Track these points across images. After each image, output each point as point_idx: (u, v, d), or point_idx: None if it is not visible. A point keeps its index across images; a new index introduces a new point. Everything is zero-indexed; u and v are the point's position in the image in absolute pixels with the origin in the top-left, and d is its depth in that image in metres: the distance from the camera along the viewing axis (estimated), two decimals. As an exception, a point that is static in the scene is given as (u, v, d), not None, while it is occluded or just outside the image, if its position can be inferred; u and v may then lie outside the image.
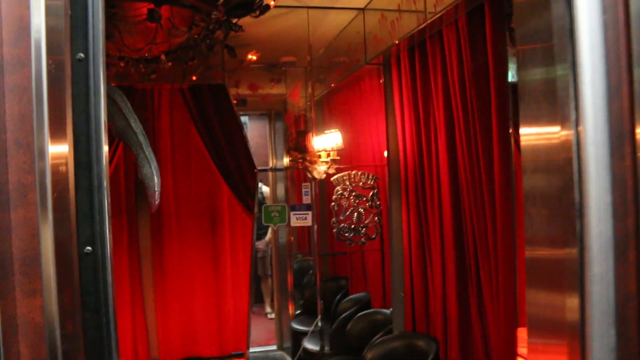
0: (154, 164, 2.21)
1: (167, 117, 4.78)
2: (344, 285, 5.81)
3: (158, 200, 2.22)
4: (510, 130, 2.82)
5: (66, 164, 1.00)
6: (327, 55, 5.10)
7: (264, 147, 6.94)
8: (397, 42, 3.84)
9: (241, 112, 7.12)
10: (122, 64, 2.67)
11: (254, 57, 4.98)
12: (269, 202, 6.39)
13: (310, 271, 6.51)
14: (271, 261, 7.10)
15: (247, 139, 4.44)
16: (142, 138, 2.17)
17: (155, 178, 2.19)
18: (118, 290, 5.09)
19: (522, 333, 2.95)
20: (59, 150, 1.00)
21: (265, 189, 6.51)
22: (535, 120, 1.33)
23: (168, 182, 5.02)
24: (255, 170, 4.41)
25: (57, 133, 0.97)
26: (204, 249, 5.38)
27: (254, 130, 7.93)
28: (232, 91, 5.50)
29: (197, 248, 5.36)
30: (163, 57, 2.64)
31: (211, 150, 4.45)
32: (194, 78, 4.41)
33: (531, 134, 1.36)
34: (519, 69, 1.40)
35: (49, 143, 0.95)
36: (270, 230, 6.74)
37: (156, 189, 2.17)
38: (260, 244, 6.80)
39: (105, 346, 1.02)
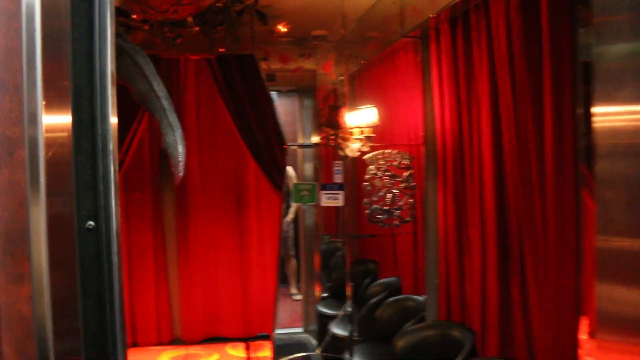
0: (178, 132, 2.02)
1: (193, 88, 4.62)
2: (372, 269, 5.62)
3: (182, 172, 2.04)
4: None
5: (65, 119, 0.81)
6: (361, 28, 4.85)
7: (292, 125, 6.76)
8: (434, 15, 3.59)
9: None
10: (146, 27, 2.48)
11: (285, 29, 4.76)
12: (293, 182, 6.20)
13: (338, 253, 6.32)
14: (294, 241, 6.94)
15: (277, 113, 4.25)
16: (165, 103, 1.98)
17: (180, 147, 2.01)
18: (141, 268, 5.00)
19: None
20: (56, 98, 0.80)
21: (287, 169, 6.31)
22: (616, 100, 1.19)
23: (193, 157, 4.88)
24: (285, 146, 4.22)
25: (53, 76, 0.78)
26: (230, 226, 5.25)
27: (282, 107, 7.75)
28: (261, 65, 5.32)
29: (223, 226, 5.23)
30: (190, 19, 2.45)
31: (239, 124, 4.28)
32: (221, 50, 4.22)
33: (608, 114, 1.23)
34: (597, 44, 1.23)
35: (42, 89, 0.76)
36: (292, 210, 6.56)
37: (180, 159, 2.00)
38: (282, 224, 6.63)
39: (109, 338, 0.83)
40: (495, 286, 3.28)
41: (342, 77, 4.72)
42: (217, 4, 2.52)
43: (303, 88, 6.27)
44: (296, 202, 4.31)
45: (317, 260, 6.03)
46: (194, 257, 5.21)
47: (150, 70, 1.98)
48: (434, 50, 3.93)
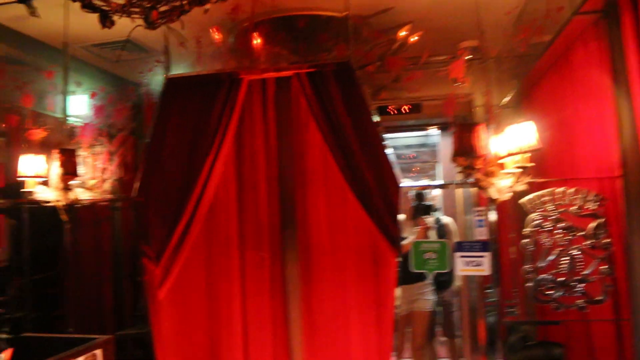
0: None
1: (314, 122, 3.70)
2: (558, 356, 4.04)
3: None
4: None
5: None
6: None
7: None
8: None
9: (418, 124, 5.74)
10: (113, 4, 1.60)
11: (414, 37, 3.61)
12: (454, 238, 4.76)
13: (516, 330, 4.76)
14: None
15: (385, 142, 3.07)
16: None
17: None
18: (258, 340, 4.15)
19: None
20: None
21: (447, 220, 4.87)
22: None
23: (321, 210, 3.91)
24: (400, 187, 3.00)
25: None
26: (364, 294, 4.13)
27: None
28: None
29: (356, 293, 4.13)
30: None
31: (340, 159, 3.22)
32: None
33: None
34: None
35: None
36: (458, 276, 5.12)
37: None
38: (446, 295, 5.12)
39: None
40: None
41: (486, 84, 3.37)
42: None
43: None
44: (417, 268, 3.01)
45: (481, 332, 4.52)
46: (320, 330, 4.17)
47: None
48: (629, 27, 2.49)
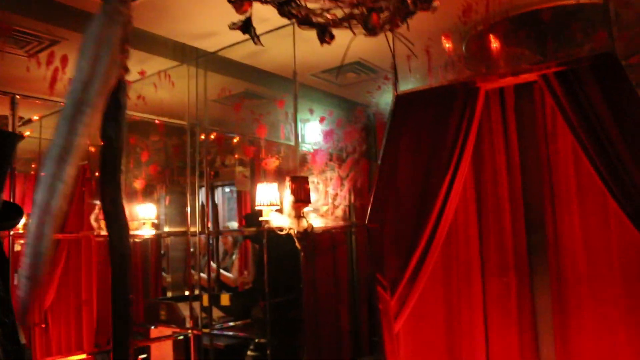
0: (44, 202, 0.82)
1: (562, 131, 3.28)
2: None
3: (26, 311, 0.83)
4: None
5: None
6: None
7: None
8: None
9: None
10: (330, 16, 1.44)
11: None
12: None
13: None
14: None
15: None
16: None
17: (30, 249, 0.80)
18: None
19: None
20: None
21: None
22: None
23: (574, 225, 3.46)
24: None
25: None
26: (635, 330, 3.52)
27: None
28: None
29: (628, 330, 3.54)
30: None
31: (604, 170, 2.75)
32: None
33: None
34: None
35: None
36: None
37: (24, 273, 0.77)
38: None
39: None
40: None
41: None
42: None
43: None
44: None
45: None
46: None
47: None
48: None
